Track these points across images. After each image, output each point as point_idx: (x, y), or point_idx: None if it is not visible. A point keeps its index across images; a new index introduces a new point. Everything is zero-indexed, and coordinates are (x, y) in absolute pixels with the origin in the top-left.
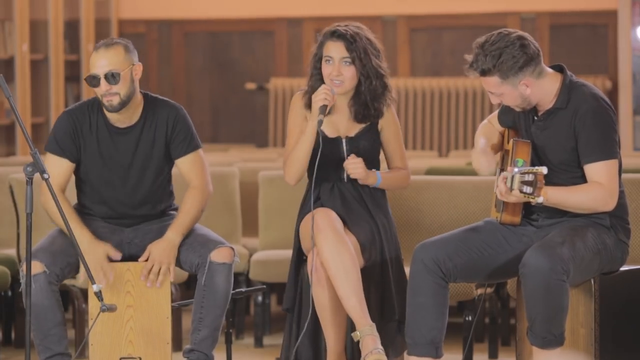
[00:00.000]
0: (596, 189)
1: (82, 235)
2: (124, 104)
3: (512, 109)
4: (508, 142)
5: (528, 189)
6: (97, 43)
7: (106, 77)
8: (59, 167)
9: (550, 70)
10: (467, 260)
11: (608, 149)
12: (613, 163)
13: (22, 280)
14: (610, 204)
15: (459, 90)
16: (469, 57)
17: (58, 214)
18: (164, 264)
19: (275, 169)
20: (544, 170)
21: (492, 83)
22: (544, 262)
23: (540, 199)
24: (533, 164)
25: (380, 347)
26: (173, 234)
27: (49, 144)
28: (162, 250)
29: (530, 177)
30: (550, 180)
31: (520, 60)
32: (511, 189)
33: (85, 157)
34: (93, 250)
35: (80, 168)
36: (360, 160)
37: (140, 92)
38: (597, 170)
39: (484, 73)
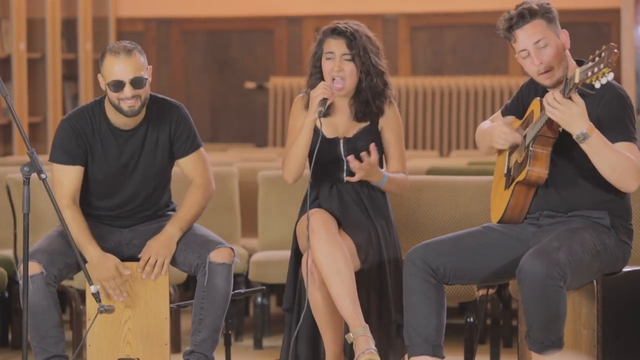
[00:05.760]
0: (632, 159)
1: (92, 250)
2: (142, 107)
3: (519, 101)
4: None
5: (595, 69)
6: (110, 46)
7: (132, 82)
8: (70, 177)
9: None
10: (459, 260)
11: (632, 133)
12: (637, 148)
13: (20, 281)
14: (636, 181)
15: (460, 89)
16: (503, 23)
17: (70, 227)
18: (160, 256)
19: (274, 169)
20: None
21: (538, 27)
22: (540, 267)
23: (611, 75)
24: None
25: (374, 347)
26: (172, 229)
27: (54, 155)
28: (160, 243)
29: (596, 60)
30: (570, 153)
31: (555, 15)
32: (565, 93)
33: (90, 161)
34: (104, 265)
35: (85, 171)
36: (363, 164)
37: None
38: (627, 148)
39: (529, 17)
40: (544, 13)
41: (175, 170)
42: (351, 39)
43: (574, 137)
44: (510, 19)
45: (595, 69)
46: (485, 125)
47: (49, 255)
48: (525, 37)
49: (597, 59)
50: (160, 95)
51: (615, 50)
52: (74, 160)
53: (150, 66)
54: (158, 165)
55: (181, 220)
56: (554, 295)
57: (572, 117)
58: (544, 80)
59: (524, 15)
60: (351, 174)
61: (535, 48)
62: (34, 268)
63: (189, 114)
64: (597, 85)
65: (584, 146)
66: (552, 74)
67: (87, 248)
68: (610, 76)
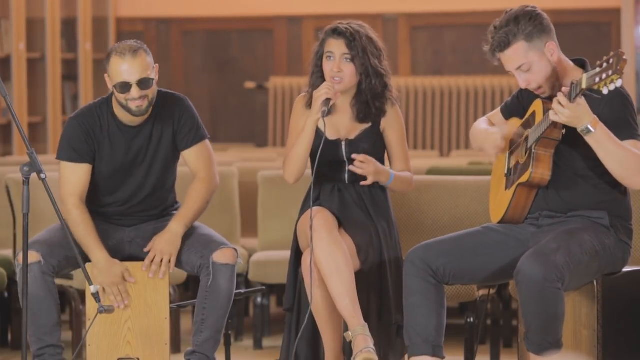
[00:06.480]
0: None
1: (99, 254)
2: (150, 105)
3: (519, 100)
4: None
5: (603, 75)
6: (115, 46)
7: (139, 83)
8: (78, 175)
9: (570, 62)
10: (459, 260)
11: (636, 131)
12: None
13: (17, 270)
14: None
15: (460, 89)
16: (487, 45)
17: (77, 228)
18: (166, 254)
19: (274, 169)
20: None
21: (519, 51)
22: (538, 270)
23: (619, 82)
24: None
25: (372, 346)
26: (176, 225)
27: (62, 153)
28: (165, 241)
29: (604, 65)
30: (571, 153)
31: (541, 23)
32: (572, 98)
33: (98, 158)
34: (110, 270)
35: (92, 167)
36: (368, 160)
37: None
38: (634, 146)
39: (508, 42)
40: (525, 30)
41: (179, 169)
42: (351, 39)
43: (579, 130)
44: (492, 43)
45: (604, 75)
46: (481, 125)
47: (48, 247)
48: (507, 62)
49: (605, 64)
50: (164, 90)
51: (625, 57)
52: (82, 158)
53: (157, 65)
54: (163, 159)
55: (185, 216)
56: (552, 298)
57: (577, 118)
58: (540, 95)
59: (502, 42)
60: (356, 178)
61: (518, 73)
62: (32, 257)
63: (192, 106)
64: (605, 91)
65: (589, 140)
66: (542, 90)
67: (94, 251)
68: (619, 83)
